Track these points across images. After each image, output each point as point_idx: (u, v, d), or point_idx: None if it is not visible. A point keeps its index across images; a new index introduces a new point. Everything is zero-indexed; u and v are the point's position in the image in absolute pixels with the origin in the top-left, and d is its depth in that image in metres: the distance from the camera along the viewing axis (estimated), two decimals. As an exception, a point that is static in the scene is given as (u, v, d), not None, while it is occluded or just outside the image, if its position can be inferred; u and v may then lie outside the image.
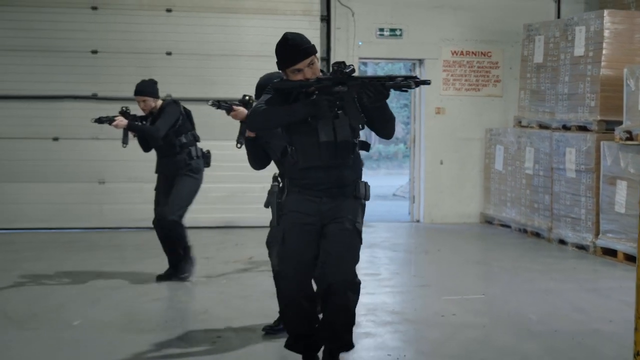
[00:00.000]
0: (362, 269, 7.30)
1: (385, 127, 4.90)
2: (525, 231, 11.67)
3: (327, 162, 4.88)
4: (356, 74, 4.82)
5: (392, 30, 12.88)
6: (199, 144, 8.38)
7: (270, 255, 6.10)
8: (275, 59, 5.08)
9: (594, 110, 10.30)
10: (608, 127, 10.12)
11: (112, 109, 11.93)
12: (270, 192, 5.24)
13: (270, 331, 6.18)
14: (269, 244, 6.12)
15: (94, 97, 11.85)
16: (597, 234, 10.01)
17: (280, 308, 5.27)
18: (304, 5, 12.39)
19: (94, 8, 11.88)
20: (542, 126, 11.44)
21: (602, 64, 10.21)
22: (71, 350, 5.85)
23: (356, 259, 4.91)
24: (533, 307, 7.22)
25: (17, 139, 11.77)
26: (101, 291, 7.80)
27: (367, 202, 5.06)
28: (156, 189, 8.34)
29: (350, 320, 4.95)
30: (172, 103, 8.23)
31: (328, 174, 4.90)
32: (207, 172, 8.38)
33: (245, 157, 7.33)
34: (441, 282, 8.45)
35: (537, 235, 11.32)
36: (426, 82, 4.63)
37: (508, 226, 12.17)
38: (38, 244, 10.66)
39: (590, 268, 9.24)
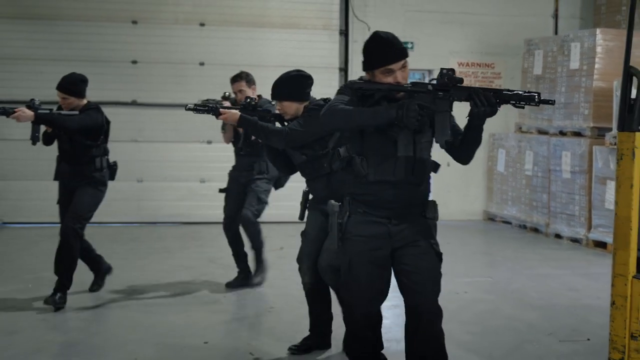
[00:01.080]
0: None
1: (471, 151, 4.52)
2: (524, 227, 12.83)
3: (400, 179, 4.44)
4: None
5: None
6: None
7: (300, 270, 5.93)
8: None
9: (588, 118, 11.47)
10: (600, 133, 11.28)
11: (151, 115, 13.20)
12: (330, 212, 4.64)
13: (295, 352, 6.08)
14: (300, 260, 5.91)
15: (134, 103, 13.00)
16: (589, 228, 11.19)
17: (346, 332, 4.88)
18: (324, 21, 13.55)
19: (134, 22, 13.02)
20: (541, 132, 12.61)
21: (595, 76, 11.39)
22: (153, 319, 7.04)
23: (439, 284, 4.68)
24: (533, 287, 8.43)
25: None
26: (162, 273, 8.98)
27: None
28: (59, 202, 7.70)
29: (442, 354, 4.61)
30: (96, 110, 7.51)
31: (398, 192, 4.46)
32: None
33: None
34: (452, 268, 9.59)
35: (535, 230, 12.48)
36: (549, 102, 4.30)
37: (509, 222, 13.32)
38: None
39: (583, 257, 10.41)
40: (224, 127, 8.21)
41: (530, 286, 8.47)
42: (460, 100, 4.24)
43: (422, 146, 4.46)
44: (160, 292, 8.08)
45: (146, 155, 13.01)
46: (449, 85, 4.23)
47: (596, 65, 11.39)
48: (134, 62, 13.02)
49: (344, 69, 13.63)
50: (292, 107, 5.90)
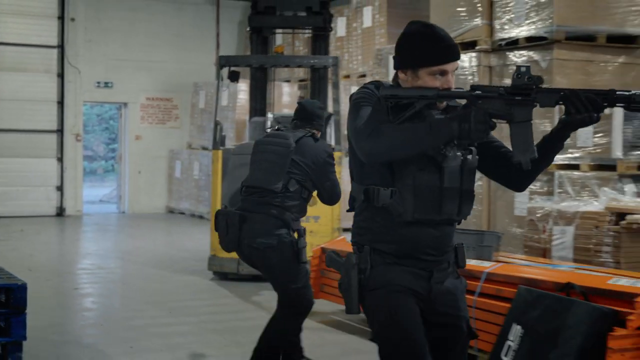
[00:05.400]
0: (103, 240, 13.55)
1: (537, 172, 3.39)
2: (194, 215, 18.15)
3: (445, 217, 3.35)
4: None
5: (106, 83, 18.92)
6: None
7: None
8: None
9: (233, 139, 16.98)
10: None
11: None
12: (346, 264, 3.36)
13: None
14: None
15: None
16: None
17: None
18: (45, 66, 18.11)
19: None
20: (204, 148, 17.99)
21: (237, 111, 16.92)
22: None
23: None
24: (199, 241, 13.79)
25: None
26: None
27: None
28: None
29: None
30: None
31: (439, 234, 3.37)
32: None
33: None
34: (154, 238, 14.79)
35: (200, 217, 17.84)
36: None
37: (183, 213, 18.62)
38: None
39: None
40: None
41: (199, 242, 13.82)
42: (547, 106, 3.13)
43: (469, 174, 3.40)
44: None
45: None
46: (531, 86, 3.11)
47: (238, 103, 16.94)
48: None
49: (60, 102, 18.25)
50: None
